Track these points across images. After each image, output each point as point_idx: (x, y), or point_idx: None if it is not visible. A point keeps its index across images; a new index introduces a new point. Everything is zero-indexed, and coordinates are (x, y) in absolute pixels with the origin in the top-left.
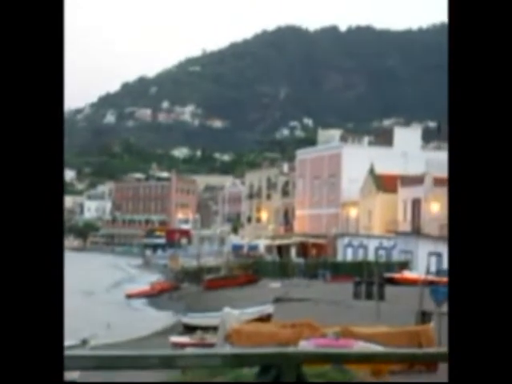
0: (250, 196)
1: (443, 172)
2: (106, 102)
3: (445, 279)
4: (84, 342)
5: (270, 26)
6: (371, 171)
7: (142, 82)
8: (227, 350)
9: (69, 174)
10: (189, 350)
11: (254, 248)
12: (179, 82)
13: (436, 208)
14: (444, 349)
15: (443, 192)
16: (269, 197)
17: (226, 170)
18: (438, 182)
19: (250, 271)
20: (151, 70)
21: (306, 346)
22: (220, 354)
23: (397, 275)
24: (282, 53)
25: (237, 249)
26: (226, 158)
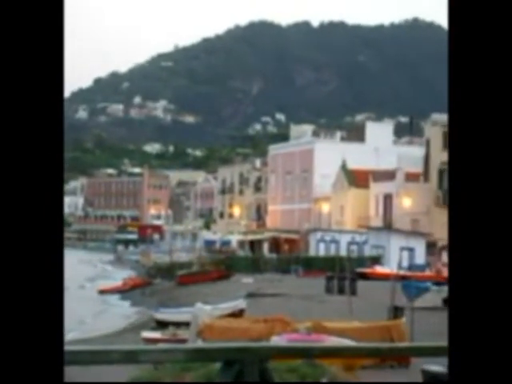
0: (223, 191)
1: (415, 167)
2: (79, 97)
3: (417, 274)
4: None
5: (243, 21)
6: (343, 166)
7: (115, 78)
8: (190, 345)
9: None
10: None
11: (226, 243)
12: (151, 77)
13: (408, 203)
14: (416, 343)
15: (415, 187)
16: (241, 192)
17: (198, 165)
18: (409, 176)
19: (222, 267)
20: (123, 66)
21: (278, 341)
22: (182, 348)
23: (369, 270)
24: (255, 48)
25: (209, 244)
26: (199, 153)
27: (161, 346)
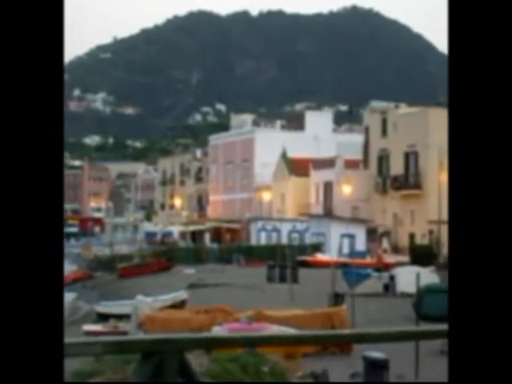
0: (163, 183)
1: (354, 154)
2: None
3: (357, 261)
4: None
5: (182, 11)
6: (283, 155)
7: None
8: (108, 338)
9: None
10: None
11: (167, 235)
12: (90, 69)
13: (348, 190)
14: (357, 330)
15: (354, 174)
16: (182, 183)
17: (138, 157)
18: (349, 164)
19: (163, 258)
20: None
21: (219, 331)
22: (101, 341)
23: (310, 258)
24: (194, 38)
25: (150, 236)
26: (139, 144)
27: (80, 339)
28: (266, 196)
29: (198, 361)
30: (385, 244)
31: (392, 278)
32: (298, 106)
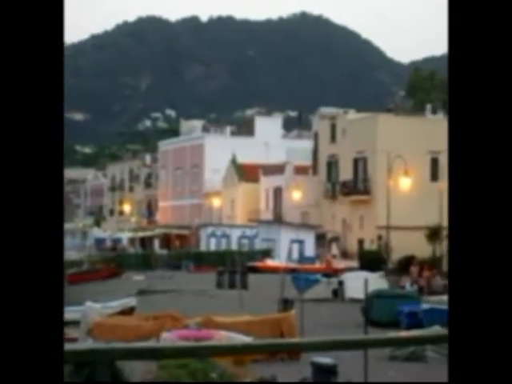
0: (113, 188)
1: (304, 160)
2: None
3: (306, 266)
4: None
5: (131, 16)
6: (233, 161)
7: None
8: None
9: None
10: None
11: (117, 241)
12: None
13: (297, 196)
14: (305, 338)
15: (304, 180)
16: (131, 189)
17: (87, 162)
18: (298, 170)
19: (113, 264)
20: None
21: (168, 337)
22: None
23: (259, 263)
24: (144, 43)
25: (100, 242)
26: (88, 150)
27: None
28: (216, 202)
29: (146, 368)
30: (334, 249)
31: (341, 283)
32: (248, 112)
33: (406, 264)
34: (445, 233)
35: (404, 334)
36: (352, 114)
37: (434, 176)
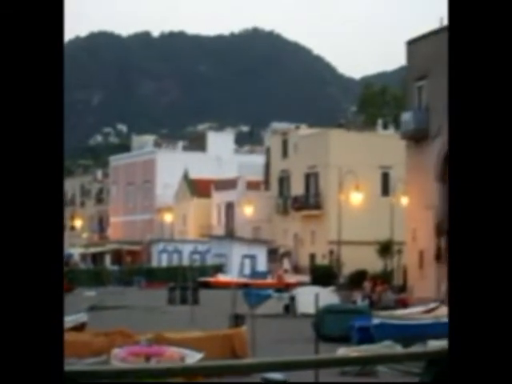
0: (64, 204)
1: (256, 175)
2: None
3: (258, 281)
4: None
5: (83, 31)
6: (185, 176)
7: None
8: None
9: None
10: None
11: (68, 257)
12: None
13: (249, 211)
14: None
15: (256, 195)
16: (82, 204)
17: None
18: (250, 185)
19: (64, 280)
20: None
21: (119, 353)
22: None
23: (211, 279)
24: (95, 59)
25: None
26: None
27: None
28: (168, 217)
29: None
30: (286, 264)
31: (292, 298)
32: (200, 127)
33: (357, 278)
34: (396, 247)
35: (355, 352)
36: (304, 130)
37: (385, 191)
